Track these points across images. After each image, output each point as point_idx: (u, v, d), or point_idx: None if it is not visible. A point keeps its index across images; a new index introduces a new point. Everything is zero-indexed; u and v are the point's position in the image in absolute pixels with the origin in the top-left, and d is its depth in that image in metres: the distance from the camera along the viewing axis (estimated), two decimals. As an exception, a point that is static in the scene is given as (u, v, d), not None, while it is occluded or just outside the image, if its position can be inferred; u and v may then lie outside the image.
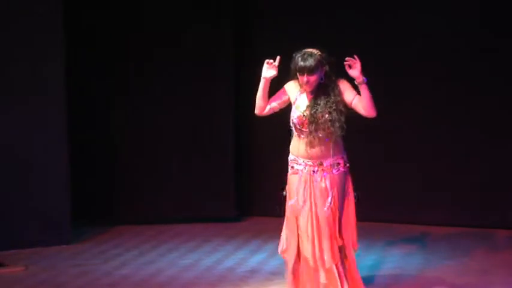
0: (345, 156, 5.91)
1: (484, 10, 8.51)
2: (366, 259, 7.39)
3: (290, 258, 5.93)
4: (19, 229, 7.92)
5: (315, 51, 5.76)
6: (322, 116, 5.77)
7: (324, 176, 5.87)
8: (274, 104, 5.91)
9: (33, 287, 6.78)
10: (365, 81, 5.71)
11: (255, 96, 5.94)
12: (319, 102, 5.79)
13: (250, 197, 9.45)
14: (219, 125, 9.14)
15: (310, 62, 5.70)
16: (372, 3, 8.89)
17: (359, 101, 5.78)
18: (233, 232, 8.69)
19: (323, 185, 5.85)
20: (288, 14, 9.13)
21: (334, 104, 5.78)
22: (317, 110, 5.78)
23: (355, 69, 5.70)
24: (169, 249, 7.98)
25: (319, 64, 5.73)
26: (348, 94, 5.81)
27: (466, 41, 8.58)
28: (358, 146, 8.94)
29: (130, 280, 6.91)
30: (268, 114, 5.94)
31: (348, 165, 5.91)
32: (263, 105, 5.89)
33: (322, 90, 5.80)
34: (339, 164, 5.89)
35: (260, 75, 5.83)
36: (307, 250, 5.82)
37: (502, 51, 8.46)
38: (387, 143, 8.88)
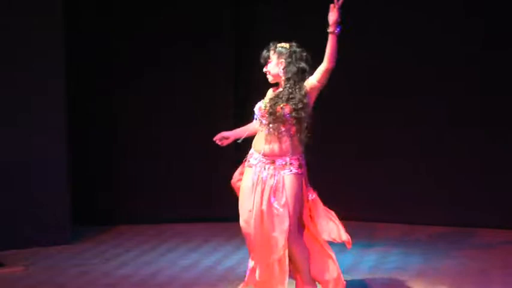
0: (301, 159, 5.84)
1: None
2: (365, 259, 7.39)
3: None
4: (19, 229, 7.92)
5: (284, 44, 5.89)
6: (282, 109, 5.78)
7: (275, 174, 5.84)
8: None
9: (33, 287, 6.78)
10: (336, 32, 5.67)
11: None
12: (281, 96, 5.84)
13: (250, 197, 9.44)
14: (218, 124, 9.12)
15: (264, 51, 5.90)
16: (370, 3, 8.90)
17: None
18: (233, 232, 8.66)
19: (272, 183, 5.82)
20: (289, 14, 9.13)
21: (300, 103, 5.77)
22: (277, 102, 5.81)
23: (331, 15, 5.68)
24: (169, 249, 7.99)
25: (274, 55, 5.85)
26: (314, 75, 5.81)
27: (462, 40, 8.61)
28: (358, 146, 9.00)
29: (130, 280, 6.91)
30: None
31: (303, 168, 5.84)
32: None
33: (288, 86, 5.83)
34: (291, 164, 5.83)
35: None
36: (251, 243, 5.89)
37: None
38: (387, 142, 8.88)
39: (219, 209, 9.18)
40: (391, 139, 8.87)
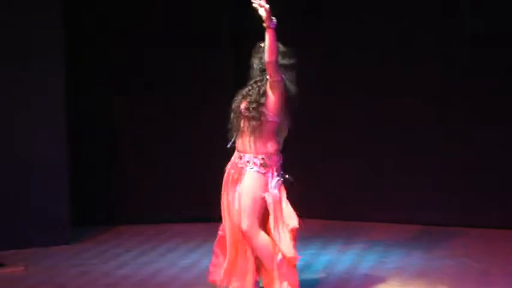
0: (266, 159, 5.83)
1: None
2: (365, 259, 7.39)
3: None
4: (19, 229, 7.92)
5: (263, 43, 5.85)
6: (239, 106, 5.89)
7: (240, 170, 5.89)
8: None
9: (33, 287, 6.78)
10: (272, 26, 5.62)
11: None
12: (242, 93, 5.96)
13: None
14: (218, 124, 9.12)
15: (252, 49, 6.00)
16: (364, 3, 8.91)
17: None
18: (233, 232, 8.67)
19: (235, 177, 5.93)
20: (289, 13, 9.12)
21: (254, 103, 5.81)
22: (237, 99, 5.94)
23: (261, 12, 5.62)
24: (169, 249, 7.98)
25: (255, 53, 5.95)
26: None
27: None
28: (358, 145, 8.99)
29: (130, 280, 6.91)
30: None
31: (267, 168, 5.81)
32: None
33: (251, 83, 5.95)
34: (254, 163, 5.84)
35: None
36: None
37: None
38: (387, 142, 8.87)
39: (219, 209, 9.17)
40: (392, 139, 8.85)
